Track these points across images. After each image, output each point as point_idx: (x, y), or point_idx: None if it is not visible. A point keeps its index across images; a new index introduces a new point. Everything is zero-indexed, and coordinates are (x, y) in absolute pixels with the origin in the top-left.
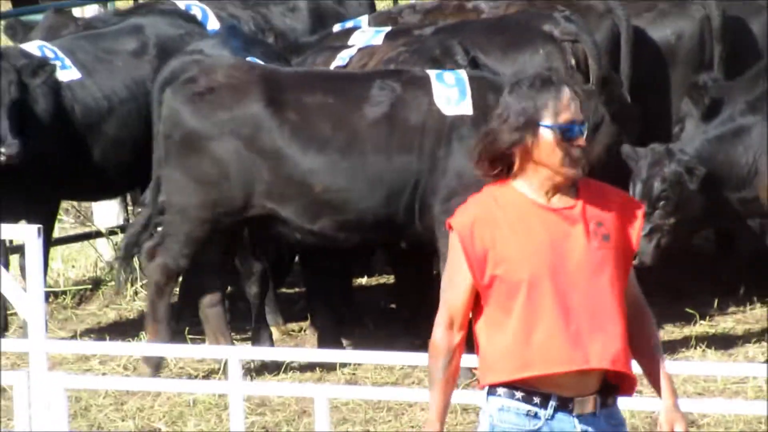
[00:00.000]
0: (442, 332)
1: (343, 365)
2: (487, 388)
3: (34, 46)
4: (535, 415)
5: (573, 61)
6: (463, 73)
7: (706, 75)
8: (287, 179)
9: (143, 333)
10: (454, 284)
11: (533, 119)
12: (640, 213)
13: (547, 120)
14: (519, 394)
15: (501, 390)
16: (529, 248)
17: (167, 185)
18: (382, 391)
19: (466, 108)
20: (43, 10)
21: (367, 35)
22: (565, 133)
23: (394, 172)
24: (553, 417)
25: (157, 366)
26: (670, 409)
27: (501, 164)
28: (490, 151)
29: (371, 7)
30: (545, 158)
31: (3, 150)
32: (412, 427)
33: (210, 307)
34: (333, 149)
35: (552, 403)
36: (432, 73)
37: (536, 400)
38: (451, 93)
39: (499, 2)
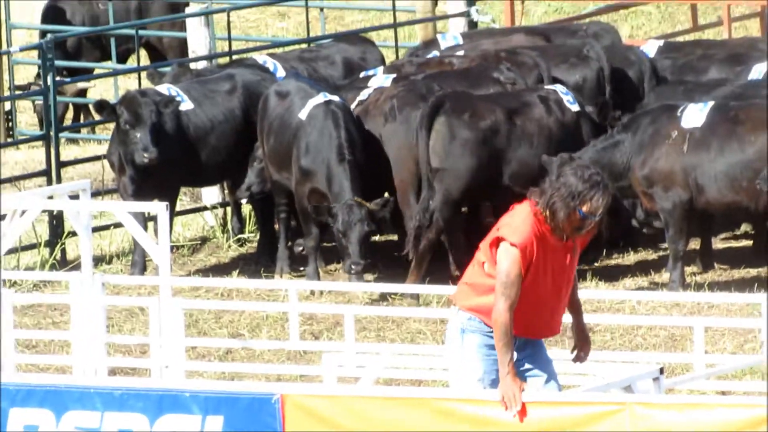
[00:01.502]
0: (510, 316)
1: (363, 292)
2: (458, 308)
3: (164, 88)
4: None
5: None
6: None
7: (618, 111)
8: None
9: (234, 272)
10: (515, 284)
11: (577, 205)
12: (588, 239)
13: (584, 208)
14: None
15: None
16: (548, 265)
17: (451, 173)
18: (388, 310)
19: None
20: (170, 64)
21: (380, 79)
22: (586, 219)
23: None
24: None
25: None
26: (581, 335)
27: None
28: (548, 205)
29: (383, 61)
30: (568, 223)
31: (146, 155)
32: (408, 333)
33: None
34: (535, 144)
35: None
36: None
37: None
38: (569, 97)
39: (464, 59)
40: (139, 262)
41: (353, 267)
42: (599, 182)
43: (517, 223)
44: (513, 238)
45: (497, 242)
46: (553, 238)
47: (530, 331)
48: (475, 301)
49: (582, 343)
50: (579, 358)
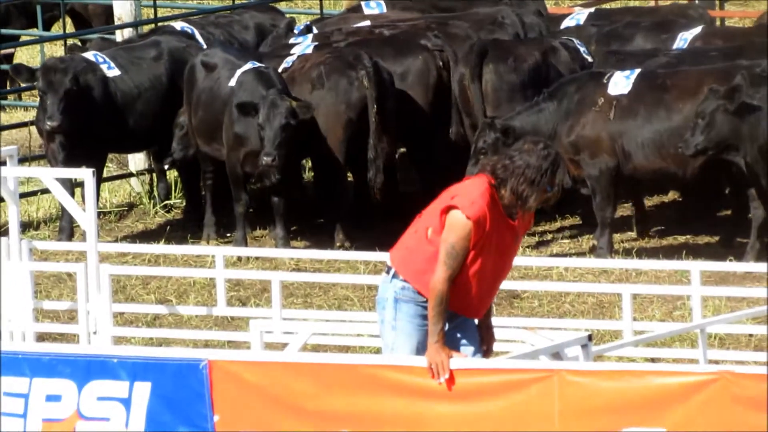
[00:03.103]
0: (448, 286)
1: (290, 258)
2: (394, 273)
3: (90, 55)
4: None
5: (441, 63)
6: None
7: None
8: None
9: (161, 238)
10: (460, 256)
11: (546, 183)
12: (531, 223)
13: (550, 183)
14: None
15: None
16: (492, 244)
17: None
18: (315, 276)
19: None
20: (95, 31)
21: (302, 46)
22: (551, 191)
23: None
24: None
25: None
26: (487, 332)
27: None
28: (515, 192)
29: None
30: (537, 203)
31: (49, 123)
32: (336, 299)
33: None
34: None
35: None
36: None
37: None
38: (584, 48)
39: (394, 29)
40: (67, 228)
41: (264, 158)
42: (556, 153)
43: (474, 196)
44: (468, 211)
45: (449, 210)
46: (503, 218)
47: (458, 307)
48: (411, 269)
49: (488, 339)
50: (486, 353)
